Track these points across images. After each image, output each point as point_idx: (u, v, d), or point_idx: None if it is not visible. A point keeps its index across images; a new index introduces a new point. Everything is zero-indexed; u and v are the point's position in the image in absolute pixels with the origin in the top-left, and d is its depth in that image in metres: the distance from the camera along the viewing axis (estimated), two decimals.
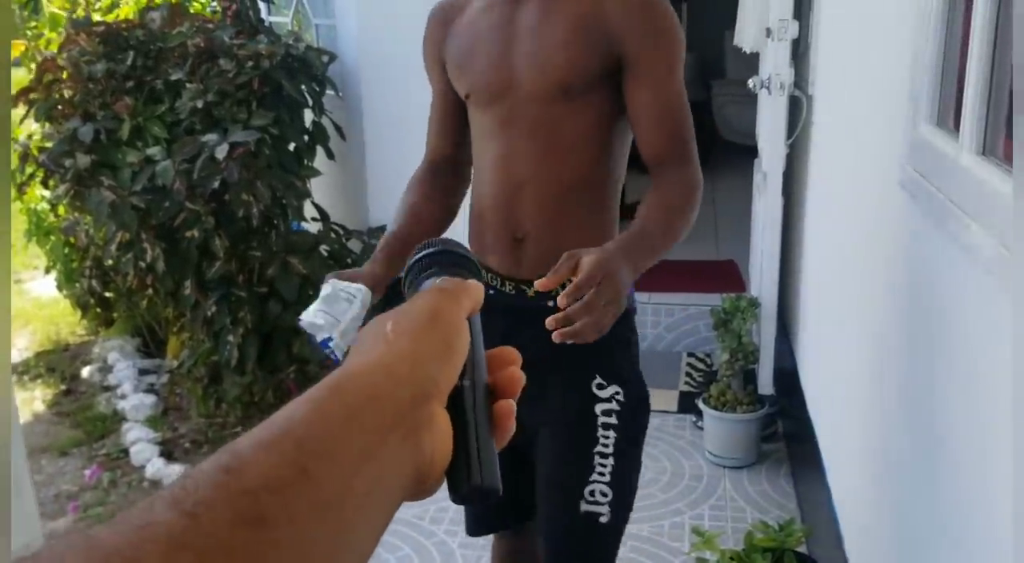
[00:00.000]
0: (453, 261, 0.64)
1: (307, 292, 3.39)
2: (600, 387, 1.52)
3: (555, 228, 1.48)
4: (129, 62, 3.39)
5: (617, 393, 1.52)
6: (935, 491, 1.31)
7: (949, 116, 1.39)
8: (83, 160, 3.21)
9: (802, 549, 2.24)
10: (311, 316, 1.37)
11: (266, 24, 3.92)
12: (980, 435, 1.10)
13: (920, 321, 1.43)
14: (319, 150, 3.68)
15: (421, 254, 0.65)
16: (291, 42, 3.62)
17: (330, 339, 1.35)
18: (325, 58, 3.72)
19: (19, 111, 3.63)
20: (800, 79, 3.05)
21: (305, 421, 0.39)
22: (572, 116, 1.46)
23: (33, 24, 5.09)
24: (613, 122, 1.48)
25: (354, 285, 1.42)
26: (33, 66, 4.23)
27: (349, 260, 3.64)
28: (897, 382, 1.57)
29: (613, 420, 1.51)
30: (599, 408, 1.52)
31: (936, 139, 1.35)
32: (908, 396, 1.49)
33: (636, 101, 1.43)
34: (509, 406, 0.53)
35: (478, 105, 1.54)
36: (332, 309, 1.37)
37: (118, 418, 3.83)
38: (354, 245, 3.72)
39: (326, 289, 1.41)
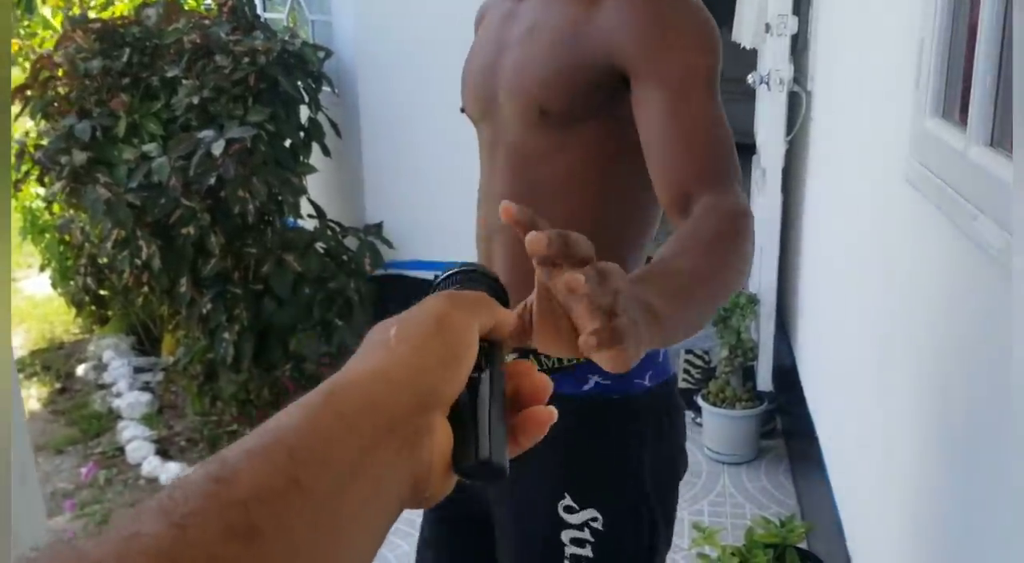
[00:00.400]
0: (485, 284, 0.61)
1: (302, 289, 3.38)
2: (569, 510, 1.13)
3: (528, 290, 1.09)
4: (125, 59, 3.37)
5: (593, 519, 1.13)
6: (940, 485, 1.30)
7: (955, 109, 1.38)
8: (79, 157, 3.19)
9: (803, 545, 2.24)
10: None
11: (262, 20, 3.91)
12: (987, 429, 1.09)
13: (926, 314, 1.43)
14: (315, 147, 3.66)
15: (448, 273, 0.61)
16: (287, 38, 3.61)
17: None
18: (321, 54, 3.70)
19: (14, 108, 3.61)
20: (799, 75, 3.05)
21: (297, 429, 0.38)
22: (555, 150, 1.13)
23: (26, 23, 5.07)
24: (617, 162, 1.12)
25: None
26: (27, 65, 4.22)
27: (345, 257, 3.63)
28: (901, 377, 1.57)
29: (587, 553, 1.13)
30: (566, 536, 1.13)
31: (942, 132, 1.34)
32: (913, 391, 1.49)
33: (643, 126, 1.04)
34: (550, 412, 0.52)
35: (472, 123, 1.29)
36: None
37: (113, 416, 3.81)
38: (350, 242, 3.71)
39: None
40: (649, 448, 1.16)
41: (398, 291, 3.96)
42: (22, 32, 5.06)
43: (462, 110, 1.29)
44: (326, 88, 3.75)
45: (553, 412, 0.51)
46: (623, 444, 1.15)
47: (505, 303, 0.61)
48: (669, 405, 1.22)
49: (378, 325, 0.49)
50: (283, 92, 3.41)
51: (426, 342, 0.46)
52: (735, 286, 0.88)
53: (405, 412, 0.42)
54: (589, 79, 1.08)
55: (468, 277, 0.60)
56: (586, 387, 1.14)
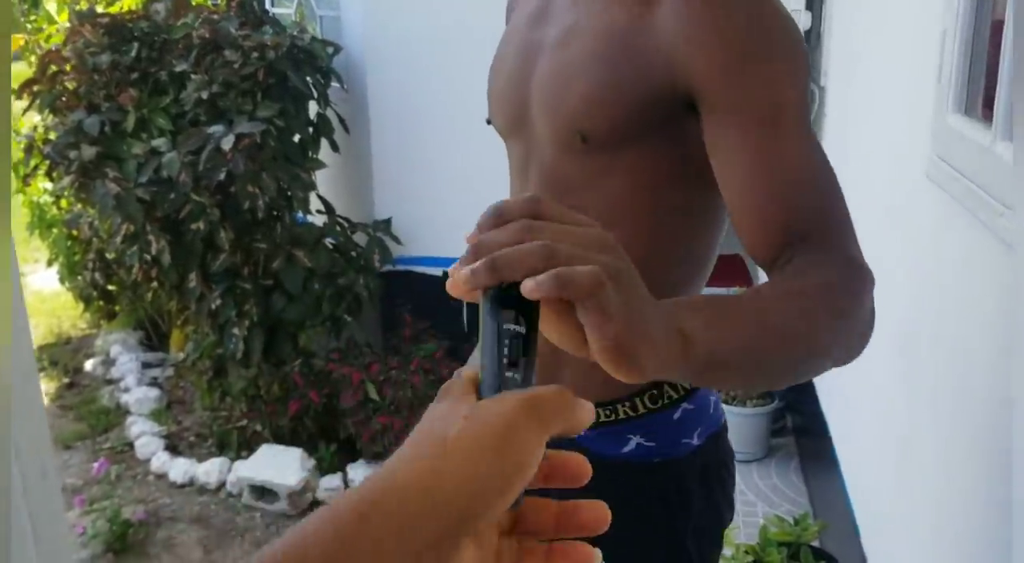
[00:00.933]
0: None
1: (312, 285, 3.38)
2: None
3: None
4: (134, 53, 3.36)
5: None
6: (962, 485, 1.29)
7: (977, 104, 1.37)
8: (88, 152, 3.18)
9: (815, 543, 2.23)
10: None
11: (270, 15, 3.90)
12: (1012, 428, 1.08)
13: (947, 310, 1.42)
14: (324, 142, 3.66)
15: None
16: (296, 33, 3.60)
17: None
18: (330, 49, 3.69)
19: (22, 103, 3.61)
20: (812, 71, 3.03)
21: (326, 554, 0.37)
22: (598, 176, 0.95)
23: (32, 18, 5.07)
24: (671, 191, 0.95)
25: None
26: (33, 59, 4.21)
27: (353, 253, 3.62)
28: (922, 375, 1.56)
29: None
30: None
31: (966, 128, 1.33)
32: (934, 389, 1.48)
33: (721, 169, 0.85)
34: (589, 556, 0.46)
35: (500, 137, 1.11)
36: None
37: (122, 411, 3.82)
38: (359, 238, 3.71)
39: None
40: (695, 510, 1.04)
41: (406, 287, 3.95)
42: (28, 27, 5.06)
43: (488, 121, 1.12)
44: (335, 84, 3.74)
45: (594, 556, 0.47)
46: (667, 512, 1.03)
47: None
48: (719, 459, 1.08)
49: (442, 406, 0.45)
50: (292, 87, 3.40)
51: (484, 460, 0.41)
52: (837, 350, 0.73)
53: (437, 536, 0.39)
54: (642, 98, 0.88)
55: None
56: (626, 449, 1.03)
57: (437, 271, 3.96)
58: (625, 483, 1.02)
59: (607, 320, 0.51)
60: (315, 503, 3.19)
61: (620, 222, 0.94)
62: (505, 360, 0.50)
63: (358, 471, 3.25)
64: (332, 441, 3.40)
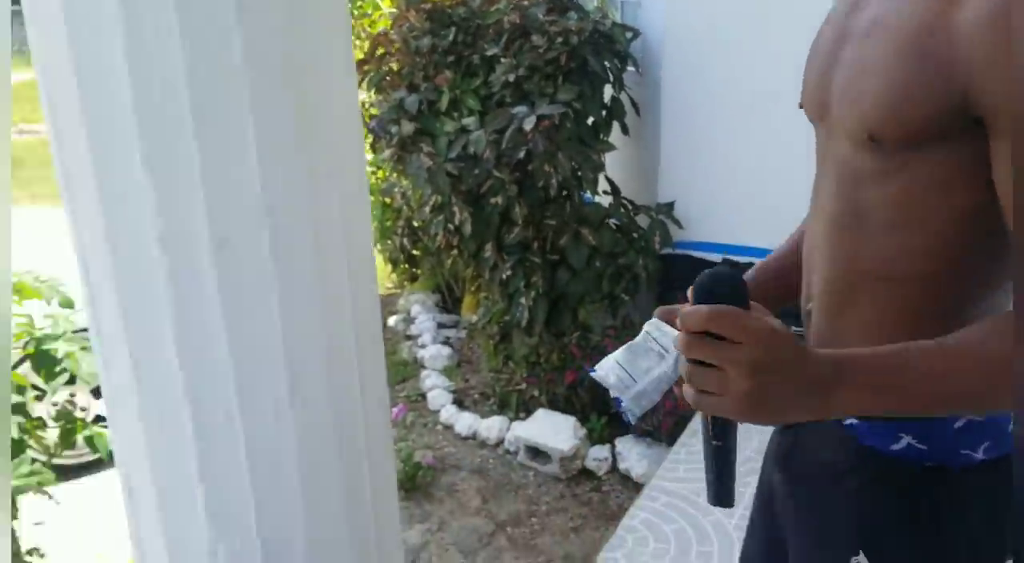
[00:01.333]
0: (728, 288, 0.79)
1: (594, 263, 3.52)
2: None
3: (841, 322, 1.03)
4: (451, 38, 3.66)
5: None
6: None
7: None
8: (407, 127, 3.52)
9: None
10: (604, 369, 1.06)
11: (574, 1, 4.06)
12: None
13: None
14: (614, 125, 3.77)
15: (700, 281, 0.81)
16: (598, 19, 3.73)
17: (621, 399, 1.05)
18: (629, 34, 3.79)
19: None
20: None
21: None
22: (889, 172, 0.92)
23: (359, 4, 5.62)
24: (970, 195, 0.89)
25: (674, 334, 1.05)
26: (358, 43, 4.70)
27: (635, 234, 3.72)
28: None
29: None
30: None
31: None
32: None
33: (1001, 190, 0.84)
34: None
35: (811, 122, 1.10)
36: (631, 366, 1.04)
37: (418, 365, 4.20)
38: (642, 220, 3.80)
39: (644, 330, 1.07)
40: (973, 524, 1.00)
41: (684, 270, 3.99)
42: (355, 12, 5.61)
43: (800, 106, 1.10)
44: (630, 68, 3.83)
45: None
46: (935, 519, 1.00)
47: (744, 298, 0.79)
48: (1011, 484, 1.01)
49: None
50: (591, 71, 3.54)
51: None
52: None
53: None
54: (937, 102, 0.84)
55: (715, 284, 0.80)
56: (896, 446, 1.01)
57: (716, 257, 3.96)
58: (893, 480, 1.03)
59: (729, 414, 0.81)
60: (584, 470, 3.35)
61: (911, 220, 0.93)
62: (710, 432, 0.85)
63: (626, 445, 3.37)
64: (603, 414, 3.54)
